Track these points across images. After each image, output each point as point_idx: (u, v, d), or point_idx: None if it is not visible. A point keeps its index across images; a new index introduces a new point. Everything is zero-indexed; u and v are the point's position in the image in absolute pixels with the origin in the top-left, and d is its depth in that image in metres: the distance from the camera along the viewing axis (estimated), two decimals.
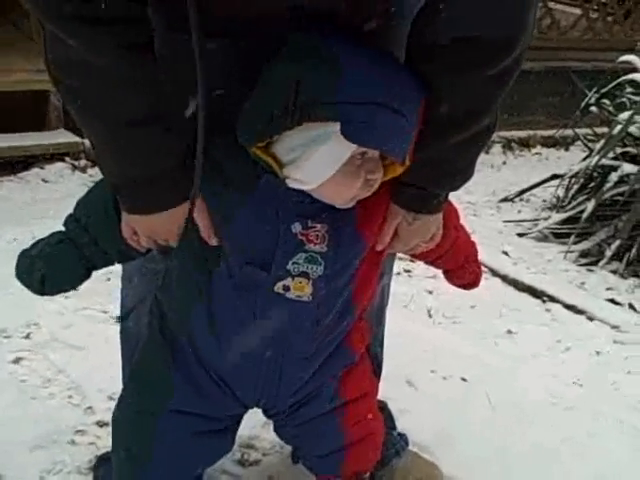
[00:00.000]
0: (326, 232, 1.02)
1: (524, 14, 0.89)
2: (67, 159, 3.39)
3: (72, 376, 1.75)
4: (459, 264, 1.28)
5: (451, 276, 1.32)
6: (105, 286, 1.96)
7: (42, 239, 1.12)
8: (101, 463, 1.35)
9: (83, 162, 3.41)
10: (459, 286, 1.34)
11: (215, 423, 1.17)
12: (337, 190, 0.97)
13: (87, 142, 3.44)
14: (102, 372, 1.71)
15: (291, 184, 0.97)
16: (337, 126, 0.89)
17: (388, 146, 0.93)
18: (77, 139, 3.40)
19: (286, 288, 1.03)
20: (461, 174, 1.06)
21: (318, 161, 0.94)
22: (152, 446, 1.13)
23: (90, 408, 1.64)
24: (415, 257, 1.25)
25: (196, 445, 1.15)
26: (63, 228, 1.11)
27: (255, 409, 1.21)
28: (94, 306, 2.08)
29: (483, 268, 2.59)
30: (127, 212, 1.02)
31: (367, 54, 0.93)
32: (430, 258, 1.25)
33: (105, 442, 1.50)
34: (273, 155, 0.96)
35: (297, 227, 1.01)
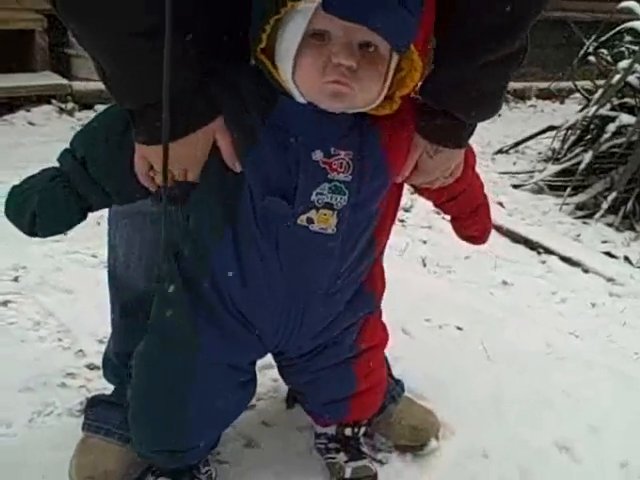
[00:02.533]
0: (350, 160, 0.98)
1: None
2: (54, 102, 3.32)
3: (62, 319, 1.72)
4: (470, 211, 1.24)
5: (459, 226, 1.28)
6: (96, 230, 1.89)
7: (34, 175, 1.04)
8: (92, 405, 1.32)
9: (70, 105, 3.34)
10: (466, 238, 1.30)
11: (242, 374, 1.14)
12: (305, 75, 0.91)
13: (74, 84, 3.39)
14: (92, 315, 1.68)
15: (286, 88, 0.93)
16: (311, 4, 0.85)
17: (373, 23, 0.86)
18: (64, 81, 3.33)
19: (310, 220, 0.99)
20: (488, 102, 1.02)
21: (286, 41, 0.90)
22: (189, 403, 1.10)
23: (81, 351, 1.61)
24: (428, 196, 1.22)
25: (231, 398, 1.13)
26: (57, 164, 1.04)
27: None
28: (84, 250, 2.04)
29: None
30: (145, 142, 0.94)
31: None
32: (443, 198, 1.21)
33: (96, 384, 1.48)
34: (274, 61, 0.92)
35: (318, 154, 0.97)
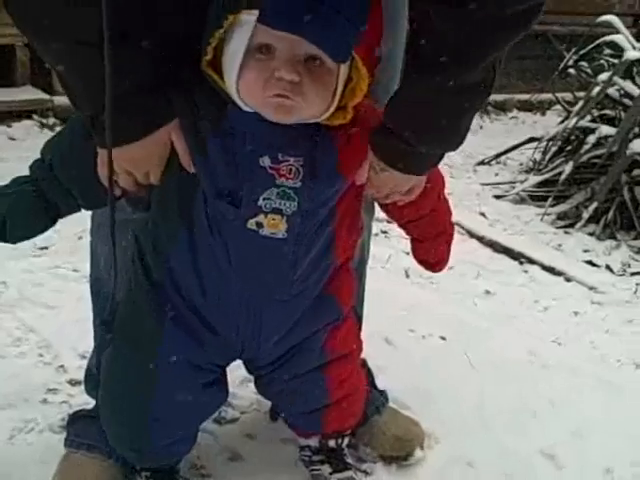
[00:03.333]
0: (300, 166, 0.99)
1: None
2: (35, 116, 3.31)
3: (43, 335, 1.71)
4: (431, 236, 1.23)
5: (417, 247, 1.26)
6: (77, 244, 1.90)
7: (3, 185, 1.06)
8: (74, 420, 1.31)
9: (52, 120, 3.33)
10: (421, 262, 1.28)
11: (205, 374, 1.14)
12: (249, 88, 0.93)
13: (56, 99, 3.38)
14: (74, 330, 1.68)
15: (234, 98, 0.95)
16: (253, 17, 0.87)
17: (310, 34, 0.86)
18: (45, 96, 3.32)
19: (259, 225, 1.00)
20: (440, 131, 0.99)
21: (228, 57, 0.92)
22: (151, 402, 1.10)
23: (62, 366, 1.60)
24: (390, 214, 1.21)
25: (195, 398, 1.13)
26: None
27: (236, 365, 1.19)
28: (65, 265, 2.00)
29: (460, 230, 2.60)
30: (102, 147, 0.96)
31: None
32: (405, 218, 1.20)
33: (78, 400, 1.46)
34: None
35: (266, 161, 0.98)
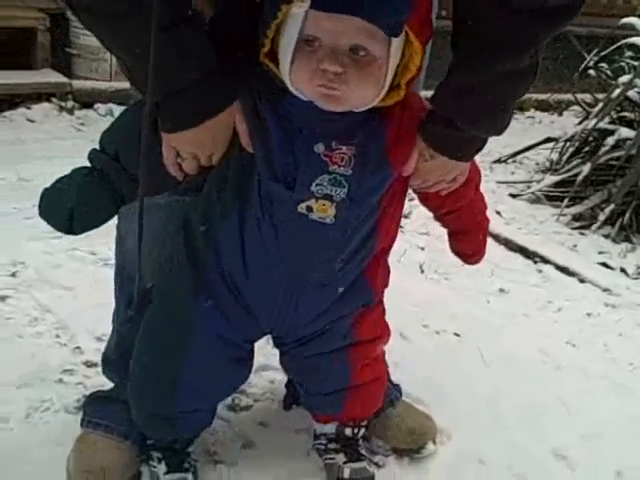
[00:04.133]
0: (352, 155, 1.02)
1: None
2: (54, 100, 3.32)
3: (59, 316, 1.72)
4: (467, 228, 1.26)
5: (454, 240, 1.30)
6: None
7: (63, 177, 1.07)
8: (91, 401, 1.32)
9: (70, 103, 3.34)
10: (459, 254, 1.32)
11: (236, 350, 1.17)
12: (299, 78, 0.96)
13: (74, 83, 3.39)
14: (90, 313, 1.69)
15: (289, 88, 0.97)
16: (303, 9, 0.89)
17: (365, 13, 0.88)
18: (64, 79, 3.33)
19: (309, 209, 1.03)
20: (492, 115, 1.03)
21: (282, 49, 0.95)
22: (180, 369, 1.13)
23: (78, 348, 1.61)
24: (429, 206, 1.24)
25: (222, 371, 1.16)
26: (87, 163, 1.07)
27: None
28: (84, 247, 2.04)
29: None
30: (171, 130, 0.98)
31: None
32: (443, 210, 1.23)
33: (94, 382, 1.48)
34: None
35: (320, 147, 1.01)
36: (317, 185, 1.02)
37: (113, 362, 1.33)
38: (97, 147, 1.07)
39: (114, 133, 1.07)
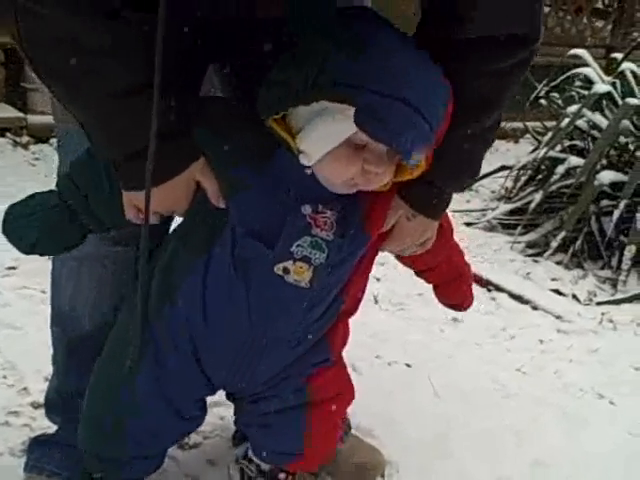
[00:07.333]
0: (335, 220, 1.00)
1: (536, 9, 0.96)
2: (8, 134, 3.29)
3: (7, 356, 1.70)
4: (450, 279, 1.28)
5: (440, 293, 1.32)
6: (45, 266, 1.88)
7: (32, 195, 1.06)
8: (35, 445, 1.30)
9: (25, 138, 3.32)
10: (448, 306, 1.35)
11: (187, 410, 1.14)
12: (333, 170, 0.94)
13: (30, 118, 3.37)
14: (40, 352, 1.64)
15: (301, 159, 0.95)
16: (352, 110, 0.87)
17: (399, 142, 0.88)
18: (19, 114, 3.31)
19: (286, 271, 1.00)
20: (467, 171, 1.08)
21: (321, 133, 0.92)
22: (128, 421, 1.09)
23: (25, 389, 1.59)
24: (408, 264, 1.26)
25: (171, 427, 1.13)
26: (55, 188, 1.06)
27: None
28: (34, 286, 2.01)
29: None
30: (129, 190, 0.96)
31: (400, 44, 0.90)
32: (423, 267, 1.25)
33: (40, 423, 1.45)
34: (289, 128, 0.94)
35: (307, 209, 0.99)
36: (298, 246, 0.99)
37: (55, 404, 1.32)
38: (67, 172, 1.06)
39: (81, 169, 1.04)
